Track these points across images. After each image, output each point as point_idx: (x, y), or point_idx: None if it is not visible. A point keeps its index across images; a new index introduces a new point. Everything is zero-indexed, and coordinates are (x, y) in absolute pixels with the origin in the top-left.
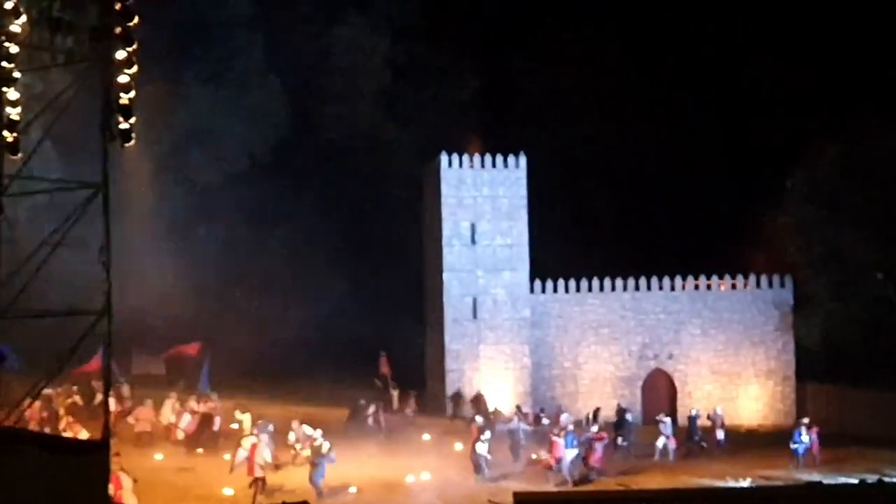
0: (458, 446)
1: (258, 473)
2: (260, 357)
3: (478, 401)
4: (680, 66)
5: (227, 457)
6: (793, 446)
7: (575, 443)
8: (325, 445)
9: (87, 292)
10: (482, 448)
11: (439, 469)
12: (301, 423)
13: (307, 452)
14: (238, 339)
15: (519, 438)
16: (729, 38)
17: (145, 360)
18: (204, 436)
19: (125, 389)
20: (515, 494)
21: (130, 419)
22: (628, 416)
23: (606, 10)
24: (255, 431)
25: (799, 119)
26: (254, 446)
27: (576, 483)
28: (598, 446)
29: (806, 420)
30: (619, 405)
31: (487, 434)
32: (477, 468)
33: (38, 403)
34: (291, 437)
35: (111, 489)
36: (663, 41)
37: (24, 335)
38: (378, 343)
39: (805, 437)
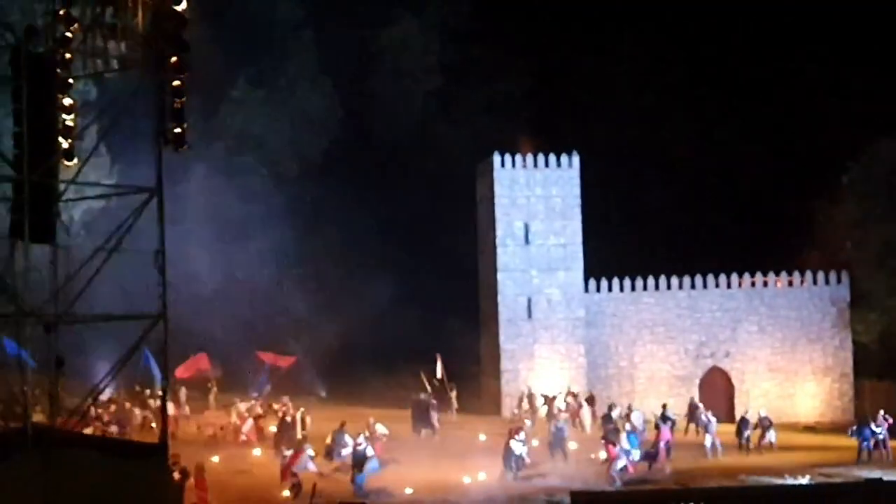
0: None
1: (293, 478)
2: (313, 358)
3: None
4: (735, 63)
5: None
6: (862, 442)
7: (638, 443)
8: (369, 450)
9: (142, 296)
10: (517, 446)
11: (495, 469)
12: (375, 421)
13: (348, 451)
14: (291, 341)
15: (564, 436)
16: (785, 35)
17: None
18: (285, 437)
19: (182, 394)
20: (573, 494)
21: (194, 422)
22: (669, 413)
23: (659, 8)
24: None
25: (855, 114)
26: (296, 453)
27: (626, 483)
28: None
29: (882, 413)
30: (692, 399)
31: (523, 434)
32: (507, 465)
33: (113, 407)
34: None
35: (189, 485)
36: (718, 38)
37: (80, 339)
38: (431, 343)
39: (869, 433)
